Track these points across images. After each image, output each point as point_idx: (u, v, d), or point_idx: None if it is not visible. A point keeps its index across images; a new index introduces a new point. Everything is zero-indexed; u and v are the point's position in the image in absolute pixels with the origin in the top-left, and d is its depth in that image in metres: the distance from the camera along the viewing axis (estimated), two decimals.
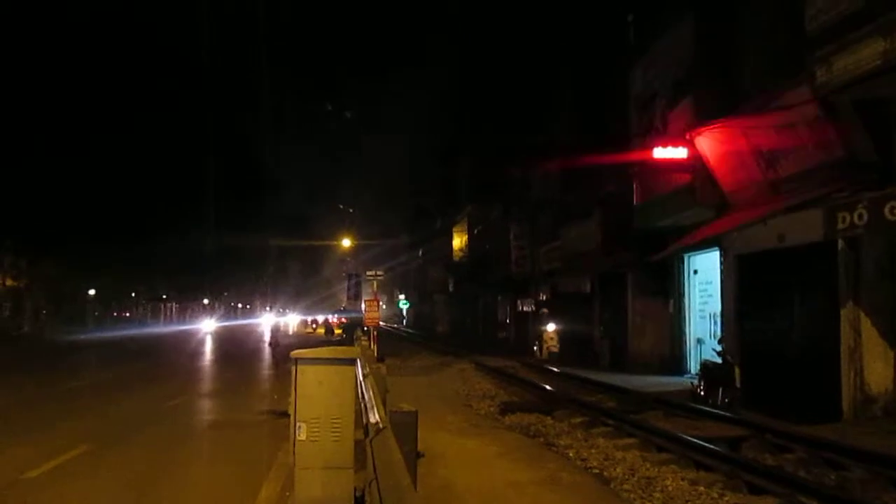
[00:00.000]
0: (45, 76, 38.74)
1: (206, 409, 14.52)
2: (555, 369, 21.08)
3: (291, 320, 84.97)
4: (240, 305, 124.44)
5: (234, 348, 35.26)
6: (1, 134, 36.99)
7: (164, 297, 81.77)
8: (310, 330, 59.75)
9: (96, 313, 65.30)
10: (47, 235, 42.68)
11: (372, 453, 4.76)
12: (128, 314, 75.35)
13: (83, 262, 47.87)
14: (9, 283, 47.52)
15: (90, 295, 61.08)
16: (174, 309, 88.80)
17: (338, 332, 45.24)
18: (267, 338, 31.62)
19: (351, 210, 68.81)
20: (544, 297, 30.19)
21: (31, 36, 37.67)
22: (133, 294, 73.65)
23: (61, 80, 39.64)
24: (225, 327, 71.33)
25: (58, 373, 22.09)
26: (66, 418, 12.67)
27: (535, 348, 26.82)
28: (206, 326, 63.75)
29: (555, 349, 25.38)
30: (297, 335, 50.26)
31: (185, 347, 36.46)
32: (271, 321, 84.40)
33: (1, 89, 36.09)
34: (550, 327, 26.17)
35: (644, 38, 19.96)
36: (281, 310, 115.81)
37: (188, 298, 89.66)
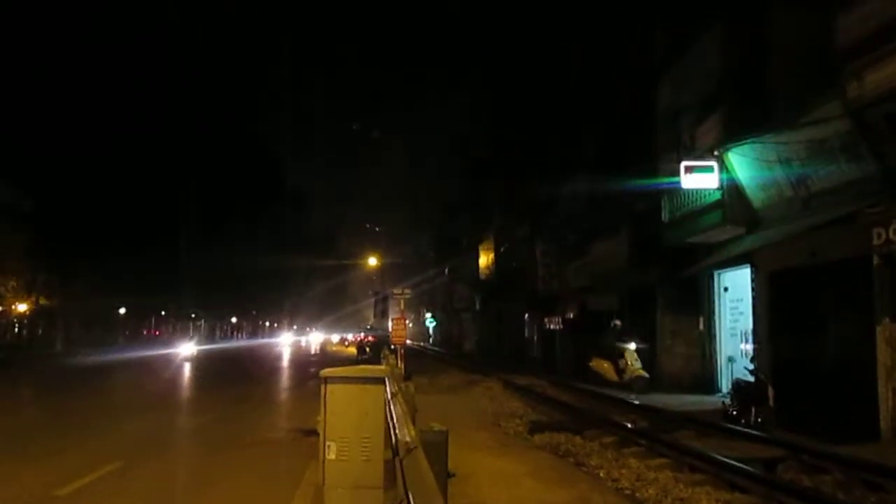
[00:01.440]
0: (76, 93, 39.45)
1: (234, 426, 14.56)
2: (582, 387, 20.86)
3: (314, 339, 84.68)
4: (267, 323, 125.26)
5: (251, 369, 35.36)
6: (34, 152, 37.72)
7: (193, 315, 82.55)
8: (338, 348, 59.72)
9: (126, 332, 66.08)
10: (80, 254, 43.37)
11: (402, 473, 4.73)
12: (157, 332, 76.13)
13: (114, 281, 48.54)
14: (42, 301, 48.28)
15: (120, 314, 61.87)
16: (203, 327, 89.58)
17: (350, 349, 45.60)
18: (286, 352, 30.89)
19: (377, 229, 69.28)
20: (572, 315, 29.91)
21: (60, 52, 38.37)
22: (163, 312, 74.45)
23: (92, 98, 40.33)
24: (236, 348, 66.98)
25: (87, 391, 22.35)
26: (96, 436, 12.78)
27: (596, 370, 21.03)
28: (185, 350, 46.10)
29: (640, 372, 19.62)
30: (323, 354, 50.37)
31: (212, 367, 36.70)
32: (290, 340, 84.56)
33: (27, 104, 36.82)
34: (632, 346, 20.25)
35: (671, 53, 19.92)
36: (309, 328, 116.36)
37: (216, 317, 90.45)
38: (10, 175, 36.23)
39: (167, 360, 39.36)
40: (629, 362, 19.86)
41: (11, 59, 35.24)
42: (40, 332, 51.99)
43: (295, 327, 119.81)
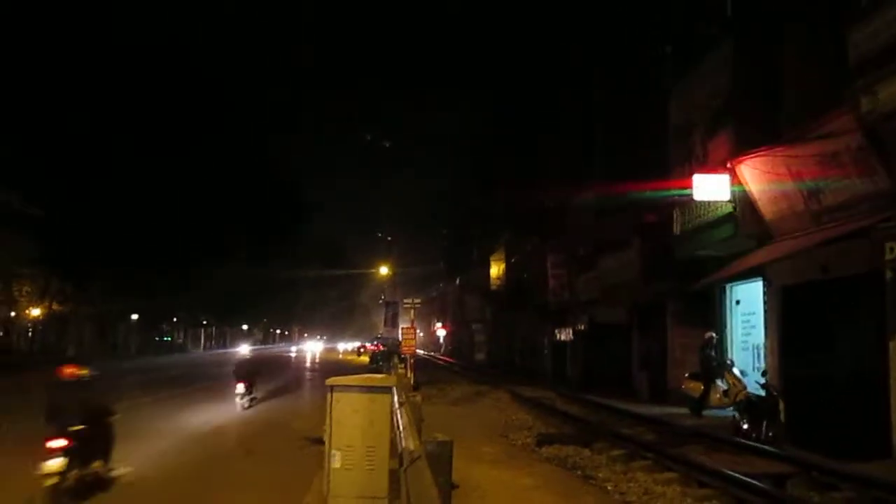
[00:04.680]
0: (89, 101, 39.76)
1: (243, 434, 14.58)
2: (592, 399, 20.76)
3: (312, 347, 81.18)
4: (278, 331, 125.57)
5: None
6: (51, 162, 38.09)
7: (205, 322, 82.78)
8: (342, 357, 59.53)
9: (138, 338, 66.30)
10: (93, 260, 43.63)
11: (406, 483, 4.73)
12: (168, 339, 76.38)
13: (127, 288, 48.76)
14: (55, 307, 48.54)
15: (133, 320, 62.12)
16: (214, 334, 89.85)
17: (364, 358, 45.79)
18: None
19: (389, 238, 69.51)
20: (582, 327, 29.81)
21: (78, 59, 38.73)
22: (175, 319, 74.72)
23: (103, 106, 40.62)
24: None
25: None
26: None
27: (690, 393, 17.19)
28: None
29: (745, 393, 15.37)
30: (331, 362, 50.25)
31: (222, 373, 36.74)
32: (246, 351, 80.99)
33: (45, 115, 37.16)
34: (737, 370, 16.45)
35: (682, 67, 19.88)
36: (321, 336, 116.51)
37: (227, 324, 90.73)
38: (23, 183, 36.63)
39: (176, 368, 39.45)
40: (733, 382, 16.07)
41: (27, 69, 35.63)
42: (52, 338, 52.23)
43: (305, 335, 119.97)
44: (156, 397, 21.29)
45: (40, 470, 7.51)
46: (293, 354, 69.98)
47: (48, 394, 8.24)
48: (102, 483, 8.68)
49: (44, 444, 7.63)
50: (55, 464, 7.51)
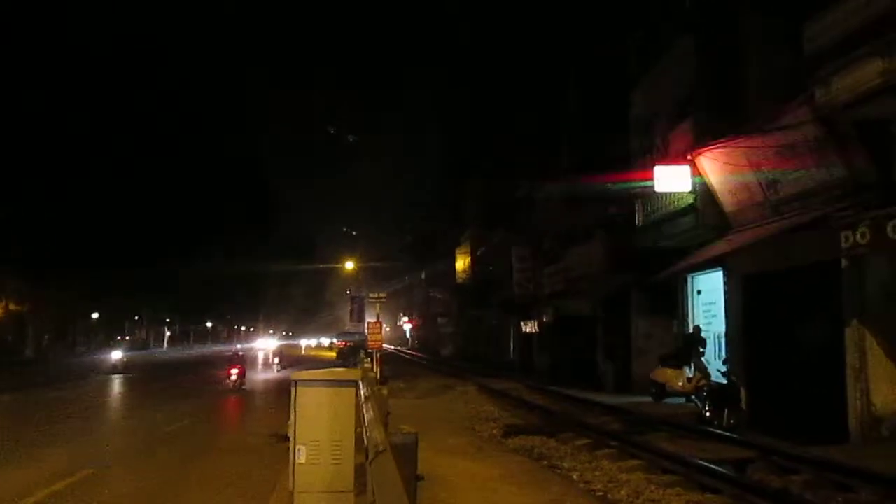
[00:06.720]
0: (51, 102, 39.04)
1: (206, 432, 14.41)
2: (558, 391, 20.93)
3: (263, 346, 77.23)
4: (243, 328, 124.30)
5: None
6: (7, 160, 37.24)
7: (168, 320, 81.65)
8: (304, 354, 58.90)
9: (99, 337, 65.08)
10: (51, 259, 42.72)
11: (371, 476, 4.70)
12: (128, 338, 75.18)
13: (87, 286, 47.82)
14: (11, 307, 47.40)
15: (93, 319, 60.96)
16: (177, 332, 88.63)
17: (331, 354, 45.63)
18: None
19: (354, 233, 69.15)
20: (547, 320, 29.99)
21: (39, 61, 38.02)
22: (136, 318, 73.54)
23: (65, 105, 39.97)
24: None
25: (59, 397, 22.03)
26: (68, 442, 12.60)
27: (660, 380, 17.40)
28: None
29: (706, 380, 15.30)
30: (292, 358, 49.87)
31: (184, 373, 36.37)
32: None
33: (7, 114, 36.36)
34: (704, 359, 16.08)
35: (645, 60, 20.08)
36: (287, 333, 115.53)
37: (191, 321, 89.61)
38: None
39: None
40: (699, 370, 15.97)
41: None
42: (10, 338, 50.99)
43: (271, 331, 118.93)
44: None
45: (228, 378, 22.75)
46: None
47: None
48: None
49: (229, 370, 23.01)
50: (234, 376, 22.66)
